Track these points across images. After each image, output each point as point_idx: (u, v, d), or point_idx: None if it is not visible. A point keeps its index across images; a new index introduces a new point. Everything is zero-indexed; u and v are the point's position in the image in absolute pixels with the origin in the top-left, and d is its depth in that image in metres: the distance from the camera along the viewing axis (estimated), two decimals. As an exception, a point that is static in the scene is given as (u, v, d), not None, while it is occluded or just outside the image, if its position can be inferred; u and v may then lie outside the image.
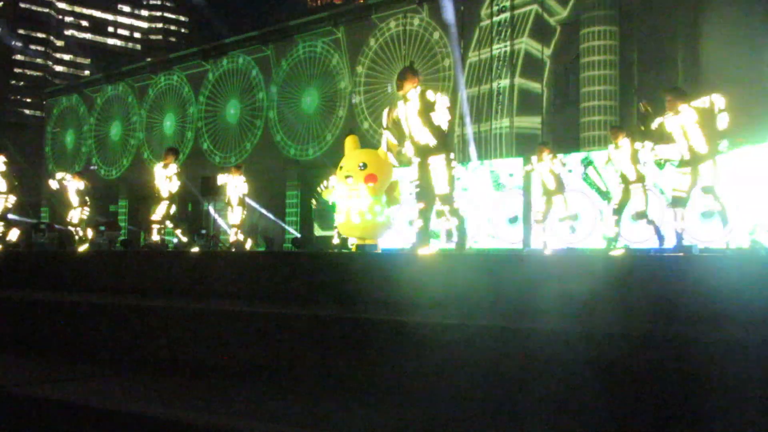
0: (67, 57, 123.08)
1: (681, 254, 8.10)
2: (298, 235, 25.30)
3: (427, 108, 7.54)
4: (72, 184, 15.81)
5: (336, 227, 13.58)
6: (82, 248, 14.33)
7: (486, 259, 6.35)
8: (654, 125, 9.15)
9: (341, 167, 13.40)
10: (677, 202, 8.84)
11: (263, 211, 25.64)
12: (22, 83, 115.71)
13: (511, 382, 3.22)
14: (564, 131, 21.71)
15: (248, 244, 16.97)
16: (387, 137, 8.71)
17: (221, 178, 15.97)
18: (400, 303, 4.59)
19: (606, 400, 2.97)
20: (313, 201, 15.11)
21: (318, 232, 27.06)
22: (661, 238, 11.09)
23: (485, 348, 3.36)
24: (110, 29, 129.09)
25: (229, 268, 6.37)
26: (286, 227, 28.10)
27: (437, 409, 3.20)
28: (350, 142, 13.92)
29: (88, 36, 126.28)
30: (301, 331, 4.06)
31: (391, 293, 4.83)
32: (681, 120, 8.67)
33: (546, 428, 2.89)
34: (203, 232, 21.55)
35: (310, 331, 4.03)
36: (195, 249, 13.83)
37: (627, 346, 3.05)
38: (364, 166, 12.68)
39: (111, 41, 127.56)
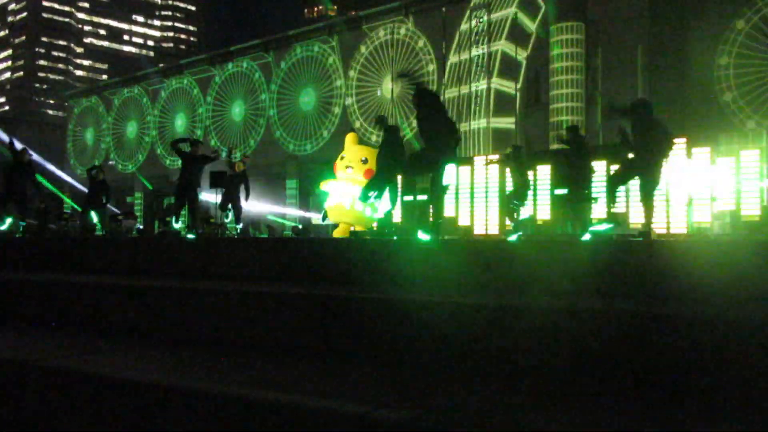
0: (86, 62, 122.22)
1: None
2: (300, 225, 25.18)
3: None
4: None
5: (325, 209, 13.40)
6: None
7: (475, 245, 6.30)
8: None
9: (342, 157, 13.35)
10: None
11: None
12: (45, 86, 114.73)
13: (498, 352, 3.18)
14: (534, 130, 21.74)
15: None
16: None
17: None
18: (394, 283, 4.55)
19: (585, 369, 2.93)
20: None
21: (315, 221, 26.99)
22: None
23: (473, 322, 3.32)
24: (126, 37, 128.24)
25: (237, 253, 6.31)
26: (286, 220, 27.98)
27: (431, 373, 3.16)
28: (351, 138, 13.88)
29: (105, 43, 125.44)
30: (303, 307, 4.02)
31: (385, 275, 4.79)
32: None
33: (530, 390, 2.86)
34: (212, 221, 21.40)
35: (312, 308, 3.98)
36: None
37: (606, 321, 3.00)
38: (366, 161, 12.68)
39: (126, 48, 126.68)
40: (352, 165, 12.20)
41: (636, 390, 2.80)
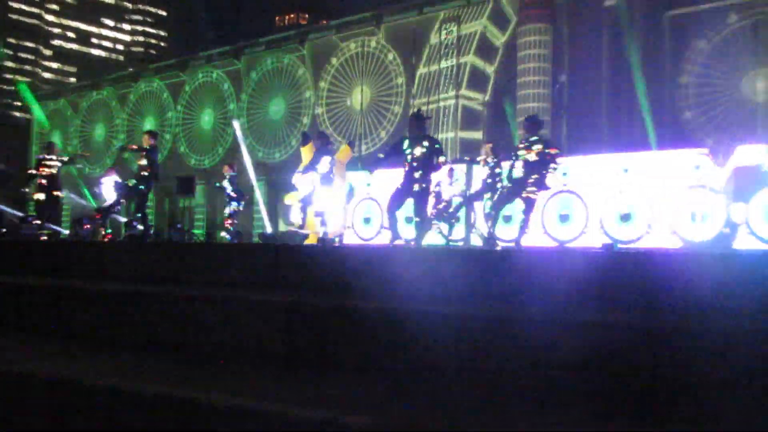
0: (54, 65, 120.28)
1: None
2: (269, 230, 25.01)
3: None
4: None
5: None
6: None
7: (469, 254, 6.29)
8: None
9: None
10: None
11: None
12: (12, 88, 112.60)
13: (496, 367, 3.18)
14: (502, 141, 21.93)
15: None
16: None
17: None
18: (386, 293, 4.55)
19: (587, 383, 2.92)
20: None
21: (282, 227, 26.89)
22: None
23: (468, 332, 3.31)
24: (95, 41, 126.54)
25: (208, 258, 6.26)
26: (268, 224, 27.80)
27: (408, 382, 3.17)
28: (308, 149, 13.90)
29: (74, 46, 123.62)
30: (271, 314, 4.00)
31: (374, 284, 4.79)
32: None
33: (527, 408, 2.86)
34: (179, 226, 21.25)
35: (280, 314, 3.97)
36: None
37: (608, 334, 2.98)
38: None
39: (95, 52, 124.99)
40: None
41: (627, 402, 2.80)
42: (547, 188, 10.14)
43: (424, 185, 9.28)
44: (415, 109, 9.19)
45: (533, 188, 9.85)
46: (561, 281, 3.94)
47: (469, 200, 12.31)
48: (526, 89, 21.16)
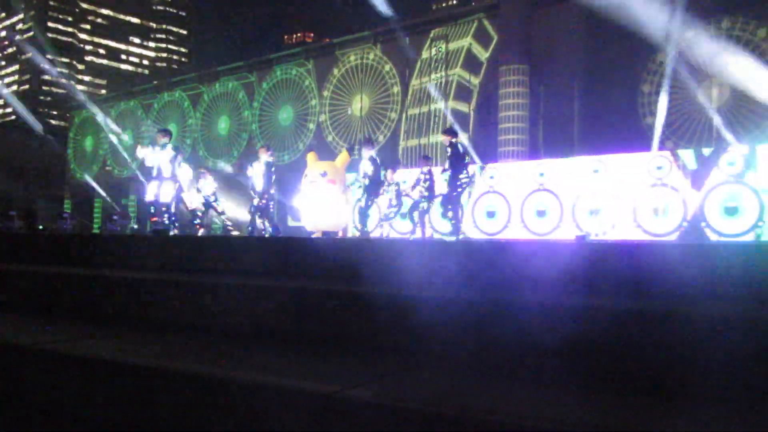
0: (87, 78, 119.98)
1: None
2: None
3: None
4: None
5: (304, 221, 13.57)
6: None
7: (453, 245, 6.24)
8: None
9: (306, 175, 13.37)
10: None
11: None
12: (49, 98, 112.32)
13: (492, 347, 3.12)
14: (485, 145, 21.87)
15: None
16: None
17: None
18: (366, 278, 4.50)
19: (577, 362, 2.86)
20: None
21: (290, 223, 26.82)
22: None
23: (455, 316, 3.26)
24: (123, 57, 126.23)
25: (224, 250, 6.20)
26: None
27: (411, 362, 3.12)
28: (311, 157, 13.89)
29: (104, 62, 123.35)
30: (281, 298, 3.95)
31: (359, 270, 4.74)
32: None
33: (523, 384, 2.81)
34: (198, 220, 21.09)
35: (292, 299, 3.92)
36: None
37: (596, 317, 2.93)
38: (325, 174, 12.79)
39: (124, 66, 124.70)
40: (315, 180, 12.38)
41: (614, 379, 2.75)
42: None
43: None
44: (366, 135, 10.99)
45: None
46: (552, 270, 3.87)
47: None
48: (506, 99, 21.09)
